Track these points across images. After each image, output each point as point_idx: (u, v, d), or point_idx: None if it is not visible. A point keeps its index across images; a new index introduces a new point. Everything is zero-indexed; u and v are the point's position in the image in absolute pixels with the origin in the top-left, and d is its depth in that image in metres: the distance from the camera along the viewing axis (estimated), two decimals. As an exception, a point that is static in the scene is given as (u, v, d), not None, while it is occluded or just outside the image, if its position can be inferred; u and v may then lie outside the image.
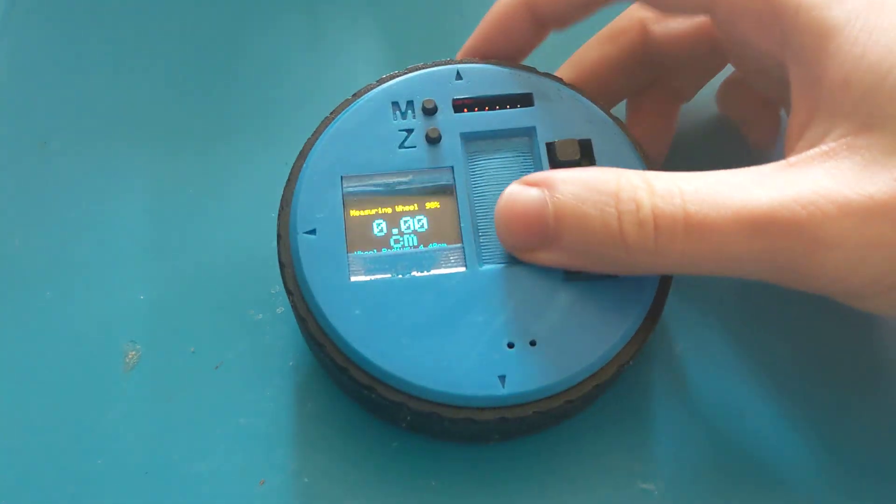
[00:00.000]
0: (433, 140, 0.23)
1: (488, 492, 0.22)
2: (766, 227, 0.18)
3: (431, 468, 0.22)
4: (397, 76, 0.24)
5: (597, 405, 0.23)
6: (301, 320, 0.21)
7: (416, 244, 0.22)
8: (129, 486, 0.22)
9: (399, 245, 0.22)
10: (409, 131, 0.23)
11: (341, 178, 0.22)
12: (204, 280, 0.26)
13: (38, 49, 0.31)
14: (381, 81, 0.24)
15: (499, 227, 0.21)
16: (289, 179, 0.23)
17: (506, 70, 0.24)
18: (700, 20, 0.25)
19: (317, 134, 0.23)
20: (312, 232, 0.22)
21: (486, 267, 0.21)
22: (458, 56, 0.26)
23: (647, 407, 0.24)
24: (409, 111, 0.23)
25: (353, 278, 0.21)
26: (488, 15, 0.25)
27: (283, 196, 0.23)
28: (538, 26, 0.25)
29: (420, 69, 0.24)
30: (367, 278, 0.21)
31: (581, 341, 0.21)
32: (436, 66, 0.24)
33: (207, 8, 0.32)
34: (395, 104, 0.23)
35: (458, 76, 0.24)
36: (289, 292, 0.22)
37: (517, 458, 0.23)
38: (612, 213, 0.19)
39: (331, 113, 0.24)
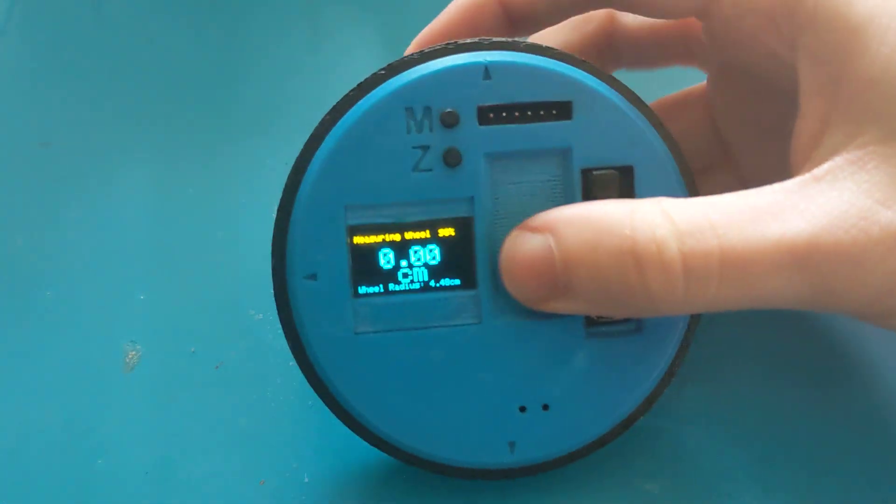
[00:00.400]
0: (453, 163, 0.19)
1: (488, 491, 0.22)
2: (809, 257, 0.16)
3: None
4: (413, 64, 0.19)
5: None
6: (303, 372, 0.20)
7: (426, 279, 0.20)
8: (129, 486, 0.22)
9: (408, 280, 0.20)
10: (426, 149, 0.19)
11: (345, 208, 0.19)
12: (204, 280, 0.26)
13: (40, 49, 0.31)
14: (391, 71, 0.19)
15: (504, 277, 0.19)
16: (281, 206, 0.19)
17: (544, 66, 0.20)
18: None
19: (314, 143, 0.19)
20: (313, 276, 0.19)
21: (502, 321, 0.20)
22: (412, 45, 0.23)
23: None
24: (426, 121, 0.19)
25: (358, 330, 0.19)
26: (454, 4, 0.23)
27: (276, 227, 0.20)
28: (508, 24, 0.23)
29: (440, 55, 0.19)
30: (373, 331, 0.19)
31: (596, 405, 0.20)
32: (459, 51, 0.20)
33: (209, 10, 0.32)
34: (410, 111, 0.19)
35: (487, 74, 0.19)
36: (288, 339, 0.20)
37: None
38: (629, 261, 0.17)
39: (329, 113, 0.20)
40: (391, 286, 0.20)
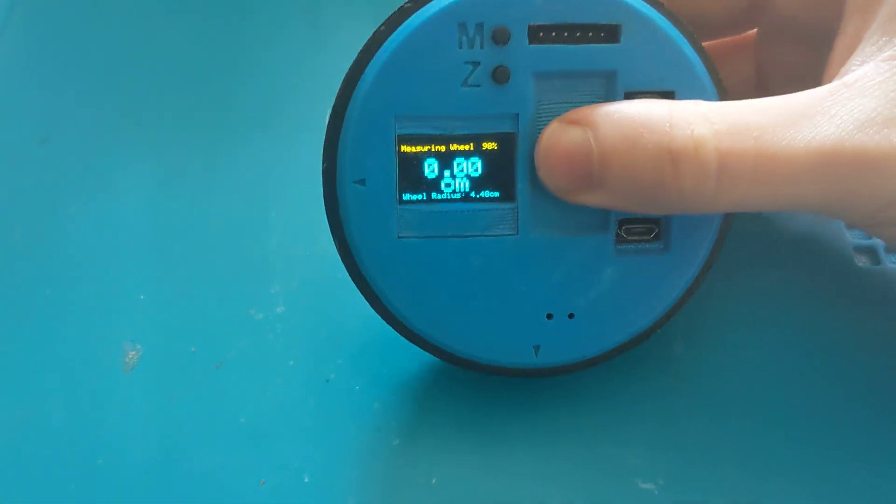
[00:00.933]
0: (501, 80, 0.20)
1: (488, 491, 0.22)
2: (836, 159, 0.17)
3: (431, 466, 0.22)
4: None
5: (596, 404, 0.23)
6: (349, 273, 0.21)
7: (467, 190, 0.21)
8: (129, 486, 0.22)
9: (450, 189, 0.21)
10: (476, 65, 0.20)
11: (395, 117, 0.20)
12: (204, 279, 0.26)
13: (39, 46, 0.31)
14: None
15: (539, 168, 0.20)
16: (333, 113, 0.20)
17: None
18: None
19: (367, 54, 0.20)
20: (362, 182, 0.20)
21: (537, 234, 0.21)
22: None
23: (647, 406, 0.23)
24: (478, 38, 0.20)
25: (401, 234, 0.20)
26: None
27: (327, 134, 0.20)
28: None
29: None
30: (416, 236, 0.21)
31: (618, 317, 0.21)
32: None
33: (210, 7, 0.32)
34: (463, 26, 0.20)
35: None
36: (335, 241, 0.21)
37: (517, 458, 0.23)
38: (665, 157, 0.17)
39: (384, 24, 0.20)
40: (434, 195, 0.21)
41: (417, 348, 0.22)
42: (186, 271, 0.26)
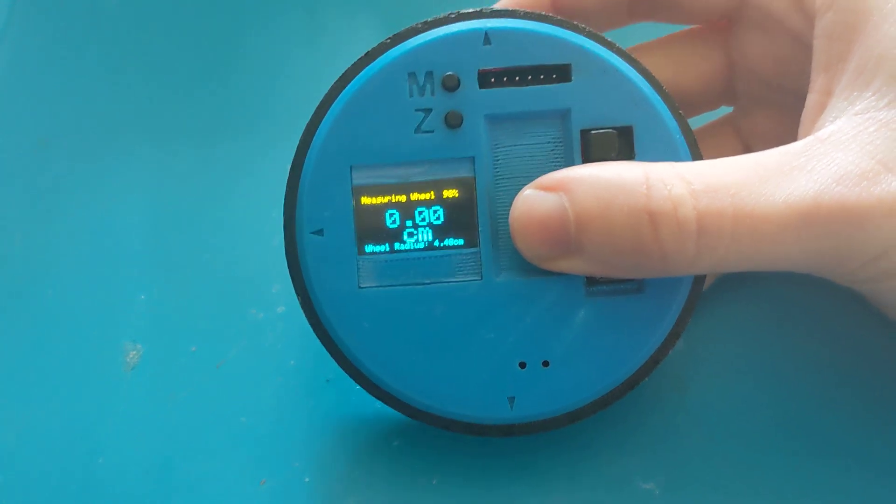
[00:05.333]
0: (453, 125, 0.20)
1: (488, 491, 0.22)
2: (815, 214, 0.17)
3: (432, 467, 0.22)
4: (416, 33, 0.20)
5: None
6: (311, 325, 0.21)
7: (430, 239, 0.20)
8: (129, 486, 0.22)
9: (413, 239, 0.20)
10: (427, 111, 0.20)
11: (350, 168, 0.20)
12: (204, 279, 0.26)
13: (39, 48, 0.31)
14: (396, 39, 0.20)
15: (515, 236, 0.19)
16: (293, 165, 0.20)
17: (543, 31, 0.20)
18: None
19: (324, 107, 0.20)
20: (320, 232, 0.20)
21: (503, 278, 0.20)
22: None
23: (647, 406, 0.23)
24: (428, 85, 0.20)
25: (362, 284, 0.20)
26: (503, 3, 0.23)
27: (287, 185, 0.21)
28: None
29: (443, 24, 0.20)
30: (377, 286, 0.20)
31: (596, 364, 0.20)
32: (461, 20, 0.20)
33: (206, 7, 0.32)
34: (413, 76, 0.20)
35: (487, 40, 0.20)
36: (297, 294, 0.21)
37: (517, 458, 0.23)
38: (644, 219, 0.17)
39: (338, 80, 0.20)
40: (396, 245, 0.20)
41: None
42: (186, 271, 0.26)
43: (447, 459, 0.22)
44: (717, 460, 0.22)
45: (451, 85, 0.20)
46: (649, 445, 0.23)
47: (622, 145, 0.20)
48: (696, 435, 0.23)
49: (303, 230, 0.20)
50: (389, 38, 0.20)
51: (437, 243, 0.20)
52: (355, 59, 0.20)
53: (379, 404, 0.21)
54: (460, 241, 0.20)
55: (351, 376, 0.21)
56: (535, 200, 0.19)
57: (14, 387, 0.24)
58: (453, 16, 0.20)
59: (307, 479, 0.22)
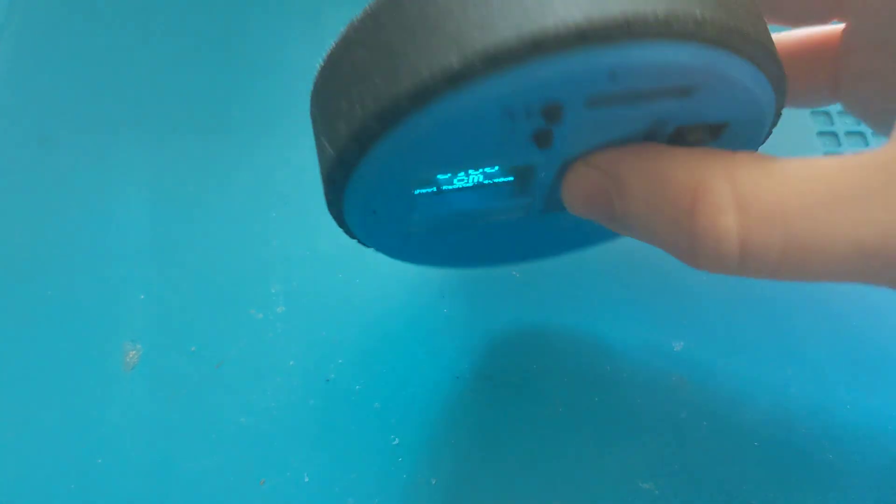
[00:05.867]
0: (543, 144, 0.17)
1: (488, 491, 0.22)
2: (878, 255, 0.15)
3: (431, 466, 0.22)
4: (524, 59, 0.14)
5: (595, 404, 0.23)
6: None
7: (480, 180, 0.19)
8: (129, 486, 0.22)
9: (462, 182, 0.19)
10: (514, 131, 0.16)
11: (415, 180, 0.18)
12: (204, 279, 0.26)
13: (39, 45, 0.31)
14: (490, 64, 0.14)
15: (567, 203, 0.19)
16: (355, 141, 0.16)
17: (673, 58, 0.15)
18: None
19: (403, 107, 0.15)
20: (374, 213, 0.18)
21: (548, 214, 0.21)
22: None
23: (647, 406, 0.23)
24: (523, 115, 0.16)
25: (411, 229, 0.20)
26: None
27: (341, 154, 0.17)
28: None
29: (561, 50, 0.14)
30: (425, 231, 0.20)
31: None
32: (584, 44, 0.14)
33: (209, 9, 0.32)
34: (508, 111, 0.15)
35: (612, 77, 0.15)
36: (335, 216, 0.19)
37: (517, 457, 0.23)
38: (684, 237, 0.16)
39: (430, 76, 0.15)
40: (444, 186, 0.19)
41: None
42: (186, 271, 0.26)
43: (447, 459, 0.22)
44: (717, 460, 0.22)
45: (553, 114, 0.16)
46: (649, 445, 0.23)
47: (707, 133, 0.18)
48: (696, 434, 0.23)
49: (354, 210, 0.18)
50: (480, 62, 0.14)
51: (486, 182, 0.19)
52: None
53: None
54: (510, 179, 0.19)
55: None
56: (584, 176, 0.18)
57: (13, 387, 0.24)
58: (574, 35, 0.14)
59: (307, 479, 0.22)
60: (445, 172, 0.18)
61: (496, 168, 0.19)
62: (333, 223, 0.19)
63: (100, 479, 0.22)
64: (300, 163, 0.28)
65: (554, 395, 0.24)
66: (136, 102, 0.30)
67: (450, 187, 0.19)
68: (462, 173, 0.19)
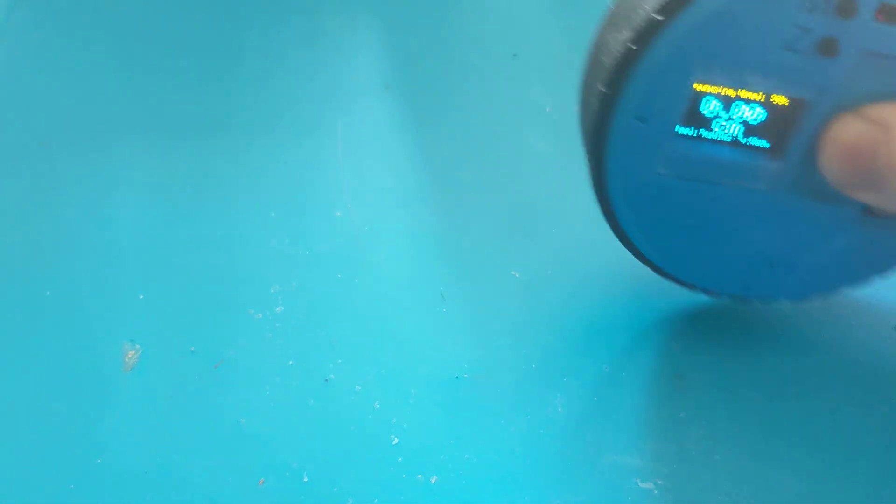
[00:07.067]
0: (826, 53, 0.18)
1: (488, 491, 0.22)
2: None
3: (431, 466, 0.22)
4: None
5: (595, 404, 0.23)
6: (600, 200, 0.22)
7: (737, 135, 0.20)
8: (129, 486, 0.22)
9: (721, 130, 0.20)
10: (806, 31, 0.18)
11: (698, 64, 0.19)
12: (203, 279, 0.26)
13: (39, 49, 0.31)
14: None
15: (824, 157, 0.19)
16: (631, 46, 0.18)
17: None
18: None
19: None
20: (642, 119, 0.19)
21: (791, 197, 0.20)
22: None
23: (647, 406, 0.23)
24: (821, 3, 0.17)
25: (660, 170, 0.20)
26: None
27: (620, 59, 0.19)
28: None
29: None
30: (673, 175, 0.20)
31: (830, 279, 0.22)
32: None
33: (207, 7, 0.32)
34: None
35: None
36: (592, 170, 0.21)
37: (517, 457, 0.23)
38: None
39: None
40: (703, 132, 0.20)
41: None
42: (186, 271, 0.26)
43: (447, 459, 0.22)
44: (718, 460, 0.22)
45: (847, 8, 0.17)
46: (649, 445, 0.23)
47: None
48: (697, 434, 0.23)
49: (625, 112, 0.19)
50: None
51: (742, 141, 0.20)
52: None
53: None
54: (765, 145, 0.20)
55: (626, 248, 0.23)
56: (854, 127, 0.18)
57: (13, 387, 0.24)
58: None
59: (307, 479, 0.22)
60: (721, 81, 0.19)
61: (756, 107, 0.19)
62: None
63: (100, 479, 0.22)
64: (300, 163, 0.28)
65: (554, 395, 0.24)
66: (136, 103, 0.30)
67: (708, 135, 0.20)
68: (726, 117, 0.19)
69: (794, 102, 0.19)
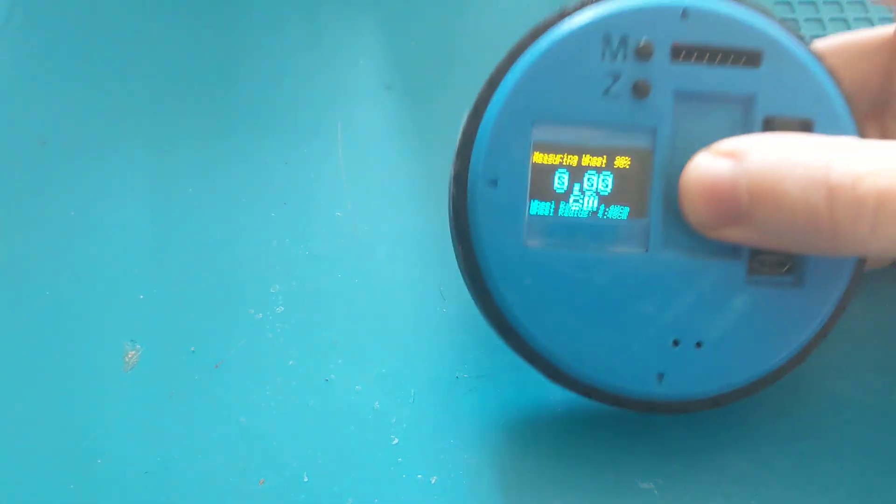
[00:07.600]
0: (641, 94, 0.20)
1: (487, 491, 0.22)
2: None
3: (431, 466, 0.22)
4: None
5: (595, 403, 0.23)
6: (468, 278, 0.21)
7: (595, 207, 0.20)
8: (129, 486, 0.22)
9: (578, 205, 0.20)
10: (616, 77, 0.20)
11: (532, 122, 0.20)
12: (203, 279, 0.26)
13: (38, 49, 0.31)
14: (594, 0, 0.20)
15: (683, 200, 0.19)
16: (472, 115, 0.20)
17: (739, 15, 0.20)
18: None
19: (512, 58, 0.20)
20: (494, 183, 0.20)
21: (668, 254, 0.20)
22: None
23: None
24: (621, 51, 0.20)
25: (528, 243, 0.20)
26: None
27: (463, 134, 0.20)
28: None
29: None
30: (542, 246, 0.20)
31: (747, 351, 0.20)
32: None
33: (206, 8, 0.32)
34: (607, 39, 0.20)
35: (685, 15, 0.20)
36: (459, 245, 0.20)
37: (517, 457, 0.23)
38: (821, 193, 0.16)
39: (530, 32, 0.20)
40: (561, 208, 0.20)
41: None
42: (186, 271, 0.26)
43: (447, 459, 0.22)
44: (717, 460, 0.22)
45: (644, 54, 0.20)
46: (649, 445, 0.23)
47: None
48: (697, 435, 0.23)
49: (477, 180, 0.20)
50: None
51: (600, 213, 0.20)
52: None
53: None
54: (625, 211, 0.20)
55: (502, 335, 0.21)
56: (708, 164, 0.18)
57: (13, 387, 0.24)
58: None
59: (307, 479, 0.22)
60: (560, 118, 0.20)
61: (606, 176, 0.20)
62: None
63: (99, 479, 0.22)
64: (300, 163, 0.28)
65: (554, 395, 0.24)
66: (136, 103, 0.30)
67: (565, 212, 0.20)
68: (577, 189, 0.20)
69: (635, 158, 0.20)
